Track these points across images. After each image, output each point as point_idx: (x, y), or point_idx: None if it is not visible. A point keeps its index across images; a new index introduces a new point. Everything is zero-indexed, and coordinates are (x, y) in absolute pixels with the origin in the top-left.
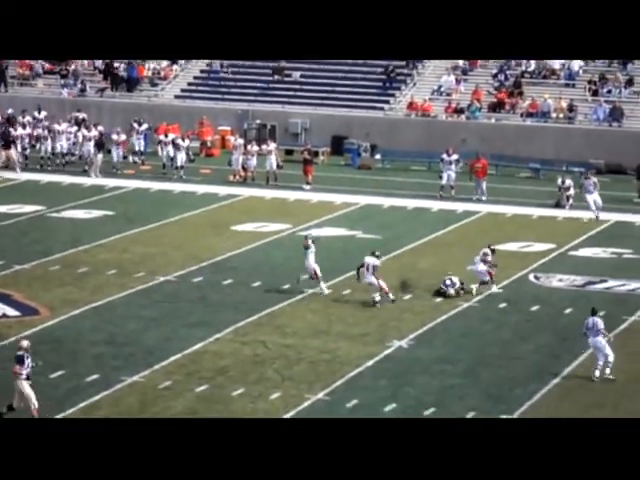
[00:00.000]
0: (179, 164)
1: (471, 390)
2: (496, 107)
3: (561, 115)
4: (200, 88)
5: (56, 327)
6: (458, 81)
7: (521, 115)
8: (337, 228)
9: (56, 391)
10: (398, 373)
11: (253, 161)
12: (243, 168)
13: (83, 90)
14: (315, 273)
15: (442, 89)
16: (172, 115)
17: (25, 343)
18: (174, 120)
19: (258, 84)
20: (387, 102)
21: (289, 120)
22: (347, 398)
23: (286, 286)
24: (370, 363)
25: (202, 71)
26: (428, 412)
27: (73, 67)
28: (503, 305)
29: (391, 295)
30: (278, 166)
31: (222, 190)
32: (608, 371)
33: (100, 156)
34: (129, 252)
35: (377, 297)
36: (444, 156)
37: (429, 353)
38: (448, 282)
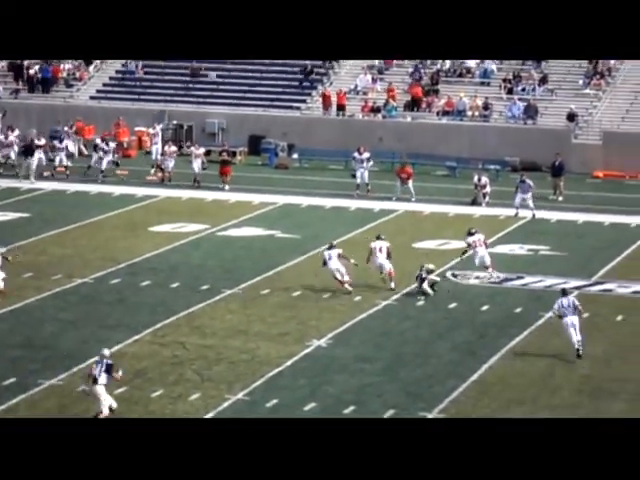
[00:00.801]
0: (104, 167)
1: (390, 388)
2: (412, 106)
3: (476, 113)
4: (116, 89)
5: None
6: (374, 80)
7: (437, 114)
8: (255, 228)
9: None
10: (317, 372)
11: (171, 162)
12: (160, 169)
13: None
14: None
15: (358, 88)
16: (88, 116)
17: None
18: (90, 121)
19: (174, 84)
20: (304, 101)
21: (206, 120)
22: (267, 398)
23: (205, 287)
24: (289, 363)
25: (117, 71)
26: (347, 410)
27: None
28: (421, 303)
29: (392, 284)
30: (203, 168)
31: (139, 191)
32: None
33: (33, 160)
34: (46, 254)
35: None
36: (355, 155)
37: (348, 352)
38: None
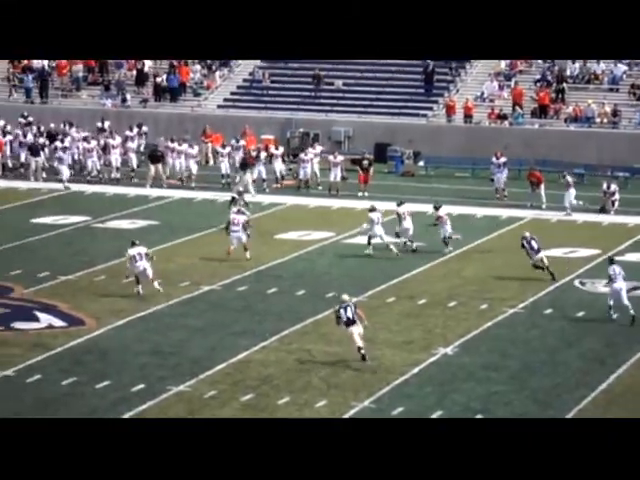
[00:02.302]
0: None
1: (517, 396)
2: (540, 113)
3: (605, 120)
4: (243, 97)
5: (102, 337)
6: (501, 87)
7: (565, 120)
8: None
9: (102, 401)
10: (444, 380)
11: (308, 169)
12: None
13: (124, 100)
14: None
15: (485, 95)
16: (215, 125)
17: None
18: (217, 130)
19: (301, 92)
20: (430, 109)
21: (332, 128)
22: (393, 406)
23: (330, 294)
24: (416, 370)
25: (245, 80)
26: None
27: (116, 77)
28: (549, 311)
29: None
30: (343, 178)
31: (266, 199)
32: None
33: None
34: (174, 262)
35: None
36: (493, 159)
37: (475, 360)
38: None
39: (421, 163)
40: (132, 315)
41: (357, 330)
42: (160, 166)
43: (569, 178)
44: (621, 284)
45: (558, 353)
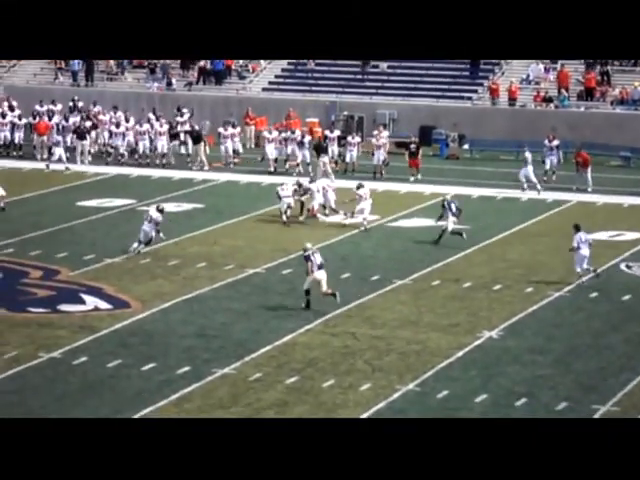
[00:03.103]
0: (308, 160)
1: (563, 380)
2: (586, 95)
3: None
4: (287, 80)
5: (147, 320)
6: (547, 70)
7: (611, 103)
8: (426, 219)
9: (148, 383)
10: (488, 363)
11: (354, 152)
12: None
13: (170, 84)
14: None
15: (530, 78)
16: (260, 108)
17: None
18: (262, 113)
19: (345, 75)
20: (475, 92)
21: (376, 111)
22: (438, 389)
23: (375, 277)
24: (460, 354)
25: (289, 63)
26: (519, 402)
27: (161, 61)
28: (594, 295)
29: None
30: (385, 162)
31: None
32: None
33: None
34: (219, 244)
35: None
36: (545, 142)
37: (520, 343)
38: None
39: (466, 146)
40: (177, 298)
41: (325, 276)
42: (201, 147)
43: (528, 154)
44: (587, 252)
45: (603, 337)
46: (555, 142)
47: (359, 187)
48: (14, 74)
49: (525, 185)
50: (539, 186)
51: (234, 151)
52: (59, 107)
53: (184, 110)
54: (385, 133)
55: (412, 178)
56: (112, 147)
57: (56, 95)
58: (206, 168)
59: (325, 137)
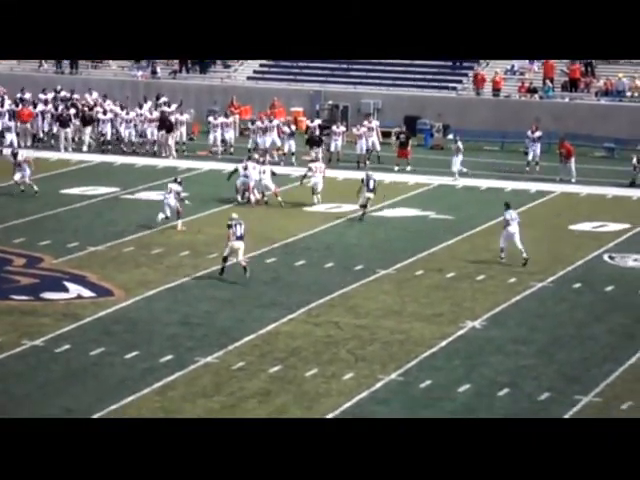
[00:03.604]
0: (293, 150)
1: (546, 370)
2: (570, 87)
3: (636, 94)
4: (272, 69)
5: (130, 308)
6: (532, 61)
7: (595, 94)
8: (410, 209)
9: (131, 371)
10: (472, 353)
11: (339, 142)
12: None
13: (154, 72)
14: None
15: (515, 68)
16: (245, 97)
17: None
18: (247, 102)
19: (330, 64)
20: (460, 82)
21: (361, 101)
22: (421, 378)
23: (359, 267)
24: (443, 344)
25: None
26: (502, 393)
27: None
28: (577, 285)
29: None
30: (369, 151)
31: (296, 171)
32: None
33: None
34: (203, 233)
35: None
36: (528, 133)
37: (503, 333)
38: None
39: (450, 136)
40: (161, 286)
41: (242, 247)
42: (170, 135)
43: (460, 144)
44: (515, 228)
45: (587, 327)
46: (538, 133)
47: (312, 161)
48: None
49: (457, 175)
50: (457, 175)
51: (222, 140)
52: (50, 95)
53: (164, 99)
54: (375, 122)
55: (397, 168)
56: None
57: (40, 82)
58: (173, 156)
59: (307, 127)
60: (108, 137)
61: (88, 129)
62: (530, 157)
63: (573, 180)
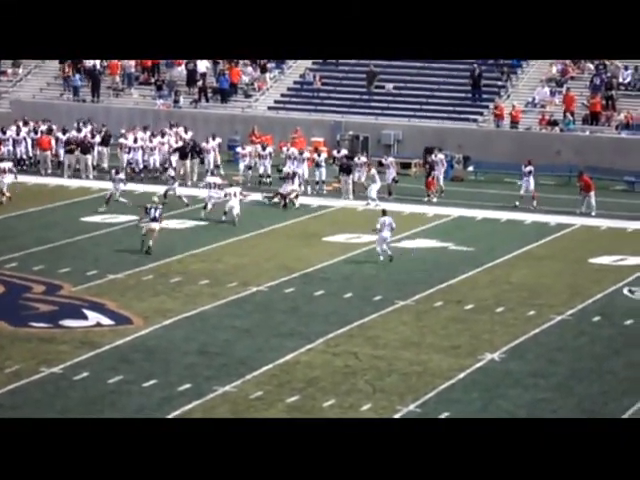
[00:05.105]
0: (323, 178)
1: (564, 404)
2: (591, 120)
3: None
4: (293, 99)
5: (149, 336)
6: (552, 93)
7: (616, 127)
8: (429, 240)
9: (149, 400)
10: (490, 386)
11: (362, 173)
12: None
13: (177, 101)
14: None
15: (536, 101)
16: (265, 126)
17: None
18: (267, 131)
19: (351, 95)
20: (480, 114)
21: (382, 132)
22: (439, 410)
23: (378, 297)
24: (462, 375)
25: (295, 82)
26: None
27: (168, 77)
28: (597, 319)
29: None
30: (394, 180)
31: (315, 201)
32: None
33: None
34: (222, 262)
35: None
36: (522, 167)
37: (522, 366)
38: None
39: (471, 168)
40: (179, 315)
41: (157, 228)
42: (188, 162)
43: (374, 171)
44: (387, 234)
45: (606, 361)
46: (529, 168)
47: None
48: (20, 88)
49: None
50: (376, 201)
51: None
52: (88, 128)
53: (176, 128)
54: (390, 159)
55: (426, 199)
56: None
57: (61, 111)
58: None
59: (333, 157)
60: (141, 166)
61: (89, 156)
62: (522, 191)
63: (593, 213)
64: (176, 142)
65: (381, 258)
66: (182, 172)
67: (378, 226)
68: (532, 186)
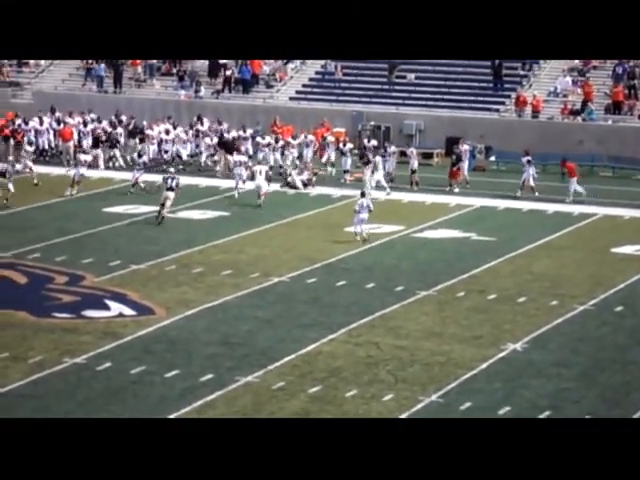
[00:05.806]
0: (348, 168)
1: (587, 393)
2: (614, 109)
3: None
4: (315, 90)
5: (171, 327)
6: (575, 82)
7: (639, 117)
8: (452, 230)
9: (171, 391)
10: (512, 376)
11: (392, 162)
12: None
13: (198, 92)
14: None
15: (558, 90)
16: (287, 117)
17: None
18: (289, 122)
19: (373, 85)
20: (502, 103)
21: (404, 122)
22: (461, 401)
23: (400, 288)
24: (484, 366)
25: (317, 72)
26: (543, 415)
27: (190, 68)
28: (619, 309)
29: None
30: (412, 170)
31: (335, 192)
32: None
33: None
34: (244, 253)
35: None
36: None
37: (544, 356)
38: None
39: (493, 158)
40: (201, 305)
41: (173, 196)
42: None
43: (379, 158)
44: (364, 215)
45: (628, 351)
46: (527, 157)
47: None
48: (42, 80)
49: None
50: (388, 189)
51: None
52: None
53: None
54: (412, 149)
55: (448, 189)
56: (176, 156)
57: (83, 101)
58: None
59: (364, 147)
60: (169, 156)
61: (116, 149)
62: (531, 181)
63: (567, 200)
64: (215, 135)
65: (357, 238)
66: (222, 164)
67: (356, 207)
68: (531, 175)
